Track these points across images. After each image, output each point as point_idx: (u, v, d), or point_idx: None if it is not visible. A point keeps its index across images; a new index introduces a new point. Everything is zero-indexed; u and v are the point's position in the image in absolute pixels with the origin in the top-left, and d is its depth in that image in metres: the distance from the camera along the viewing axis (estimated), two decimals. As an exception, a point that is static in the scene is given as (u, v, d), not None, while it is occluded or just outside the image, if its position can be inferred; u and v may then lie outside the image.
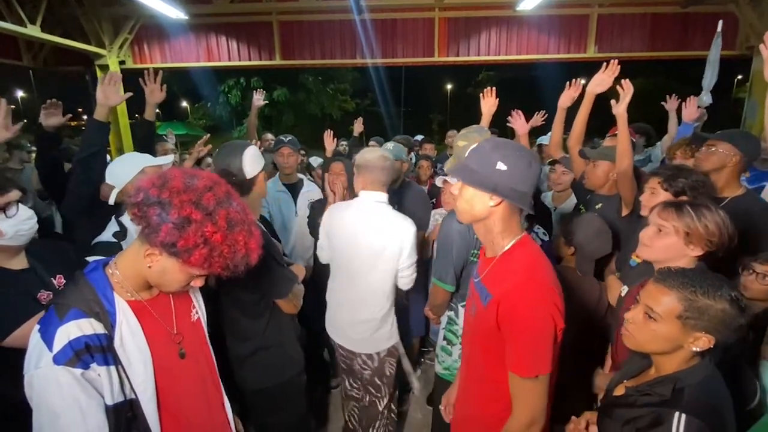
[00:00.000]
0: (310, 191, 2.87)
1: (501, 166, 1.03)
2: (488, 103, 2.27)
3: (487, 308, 1.09)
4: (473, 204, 1.10)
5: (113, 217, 1.79)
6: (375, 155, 1.83)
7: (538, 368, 1.02)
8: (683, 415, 0.90)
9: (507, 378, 1.11)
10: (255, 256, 0.97)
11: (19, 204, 1.28)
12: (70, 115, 2.14)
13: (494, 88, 2.29)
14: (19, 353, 1.14)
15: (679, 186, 1.60)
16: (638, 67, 23.80)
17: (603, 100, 2.22)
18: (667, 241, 1.26)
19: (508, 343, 1.06)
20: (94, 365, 0.87)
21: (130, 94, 2.25)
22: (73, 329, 0.86)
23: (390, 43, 6.95)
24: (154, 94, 2.34)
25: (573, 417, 1.23)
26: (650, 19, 6.66)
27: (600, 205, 2.27)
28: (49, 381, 0.83)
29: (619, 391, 1.13)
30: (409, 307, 2.53)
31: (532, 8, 6.12)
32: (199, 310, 1.18)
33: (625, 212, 2.14)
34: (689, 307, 0.94)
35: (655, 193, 1.65)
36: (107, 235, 1.73)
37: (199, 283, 1.00)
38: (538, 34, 6.82)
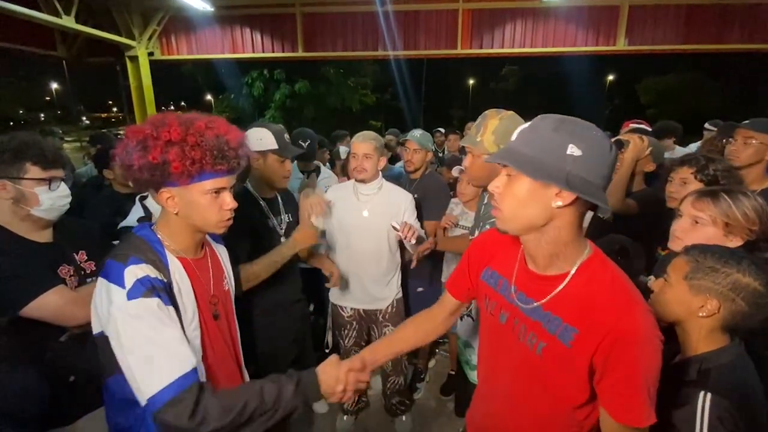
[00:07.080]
0: (327, 178, 2.90)
1: (574, 150, 0.76)
2: None
3: (574, 346, 0.83)
4: (527, 204, 0.81)
5: (137, 201, 1.82)
6: None
7: (651, 415, 0.78)
8: (708, 394, 0.87)
9: (568, 413, 0.90)
10: (233, 135, 0.97)
11: (62, 182, 1.34)
12: None
13: None
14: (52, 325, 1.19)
15: (712, 174, 1.55)
16: (670, 61, 21.52)
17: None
18: (704, 232, 1.16)
19: (613, 387, 0.80)
20: (162, 302, 0.91)
21: None
22: (137, 270, 0.89)
23: (412, 35, 6.89)
24: None
25: None
26: (685, 10, 6.37)
27: None
28: (129, 314, 0.86)
29: None
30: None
31: (559, -1, 5.96)
32: (229, 281, 1.22)
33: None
34: (696, 267, 0.95)
35: (688, 183, 1.59)
36: (132, 220, 1.76)
37: (227, 200, 1.01)
38: (566, 26, 6.62)
